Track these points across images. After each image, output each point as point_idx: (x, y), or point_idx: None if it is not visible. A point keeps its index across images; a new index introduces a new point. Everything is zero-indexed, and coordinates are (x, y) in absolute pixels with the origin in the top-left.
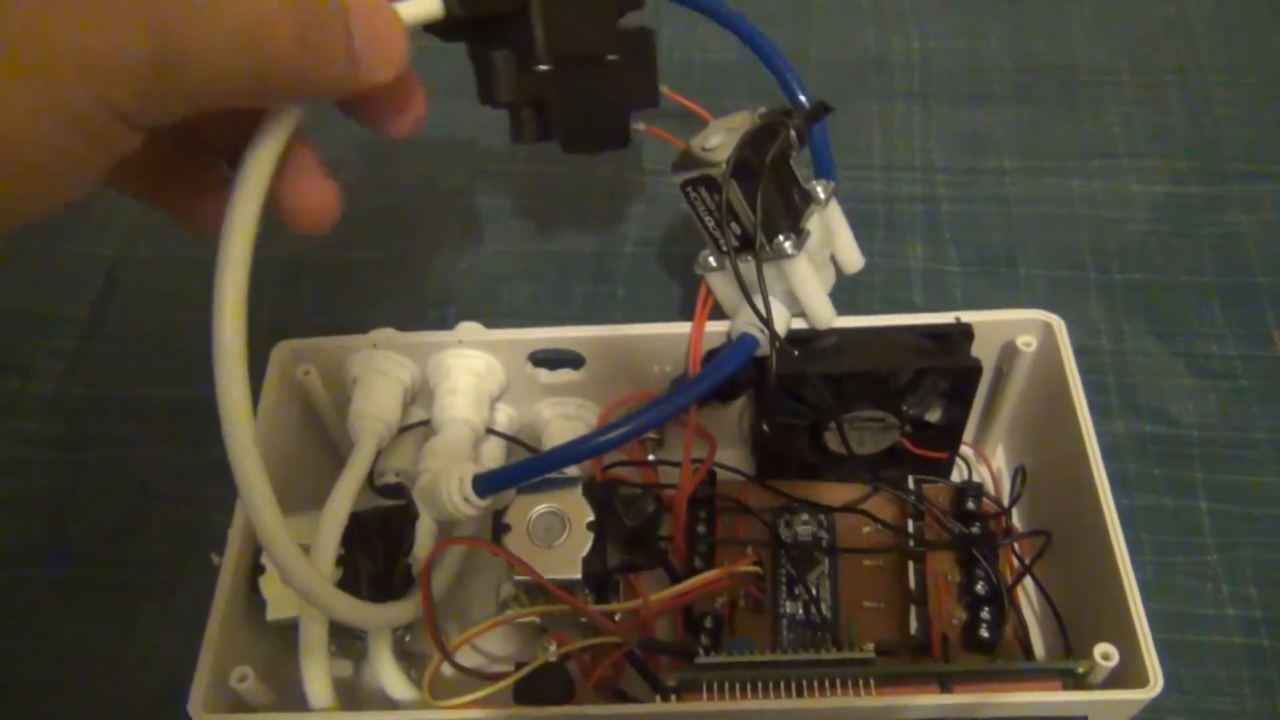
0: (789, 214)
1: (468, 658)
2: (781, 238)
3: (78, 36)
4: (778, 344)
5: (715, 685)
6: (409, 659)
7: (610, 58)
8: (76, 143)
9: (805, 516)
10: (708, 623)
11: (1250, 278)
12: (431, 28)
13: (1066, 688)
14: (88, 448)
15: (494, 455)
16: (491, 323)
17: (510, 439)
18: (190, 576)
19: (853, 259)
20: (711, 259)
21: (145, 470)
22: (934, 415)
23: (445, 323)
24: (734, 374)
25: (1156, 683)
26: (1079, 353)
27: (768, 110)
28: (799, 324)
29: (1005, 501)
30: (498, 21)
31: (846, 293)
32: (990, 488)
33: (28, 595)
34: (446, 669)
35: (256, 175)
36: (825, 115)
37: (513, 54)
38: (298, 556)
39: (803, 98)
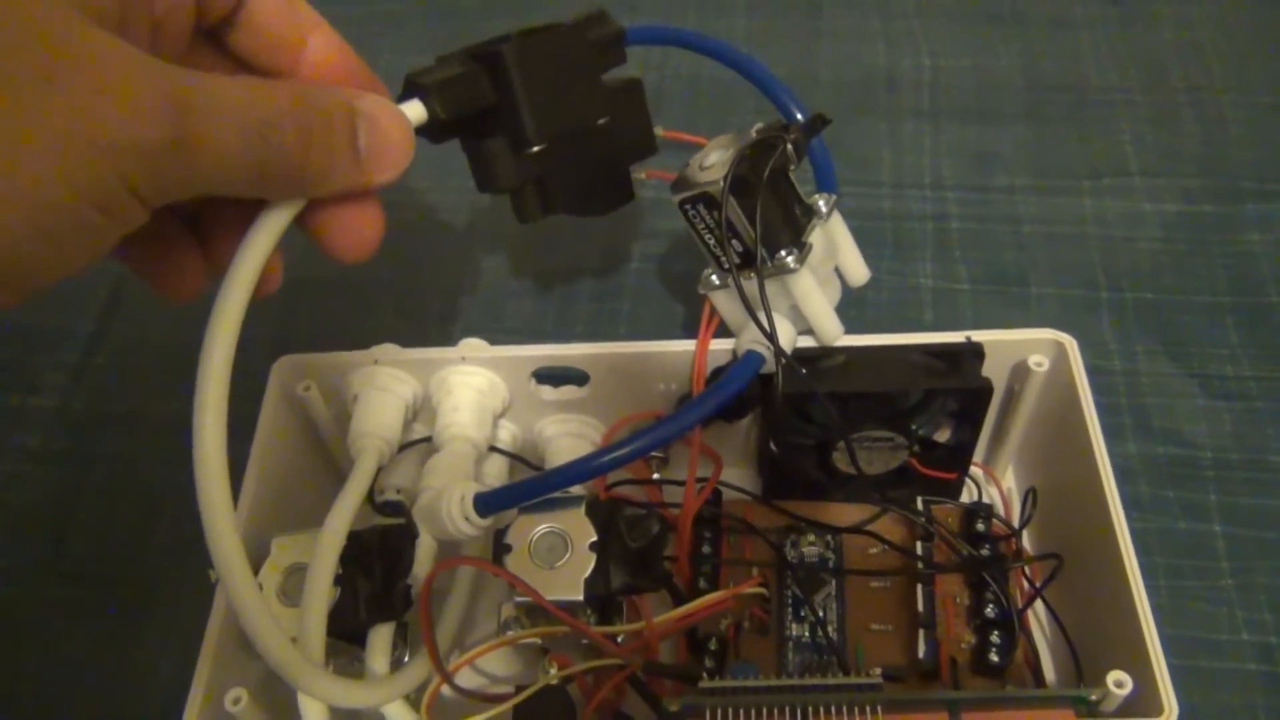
0: (790, 228)
1: (468, 680)
2: (783, 252)
3: (101, 118)
4: (784, 360)
5: (719, 710)
6: None
7: (601, 122)
8: (92, 215)
9: (812, 537)
10: (712, 645)
11: (1265, 297)
12: (419, 131)
13: (1079, 716)
14: (91, 463)
15: (496, 473)
16: (495, 340)
17: (513, 456)
18: (192, 594)
19: (858, 272)
20: (714, 277)
21: (149, 486)
22: (943, 435)
23: (449, 340)
24: (740, 392)
25: (1172, 712)
26: (1090, 373)
27: (764, 126)
28: (806, 342)
29: (1016, 523)
30: (484, 113)
31: (854, 309)
32: (1000, 509)
33: (30, 611)
34: (446, 691)
35: (249, 267)
36: (823, 128)
37: (505, 140)
38: (289, 652)
39: (799, 115)
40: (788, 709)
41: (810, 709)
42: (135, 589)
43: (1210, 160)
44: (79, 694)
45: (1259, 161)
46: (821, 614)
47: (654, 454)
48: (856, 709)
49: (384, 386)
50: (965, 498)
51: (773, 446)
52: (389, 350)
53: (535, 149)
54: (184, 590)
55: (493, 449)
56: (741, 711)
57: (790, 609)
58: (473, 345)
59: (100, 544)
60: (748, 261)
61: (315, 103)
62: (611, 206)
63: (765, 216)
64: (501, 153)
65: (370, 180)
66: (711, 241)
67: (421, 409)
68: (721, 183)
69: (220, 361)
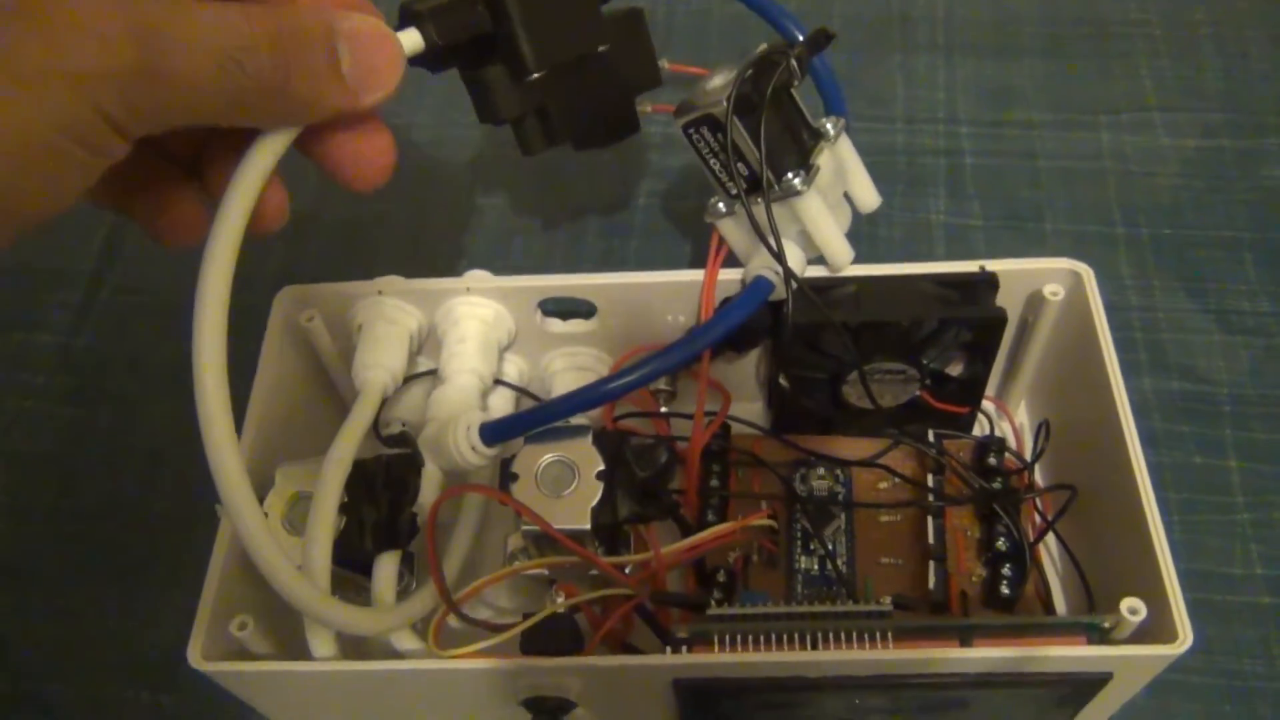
0: (796, 150)
1: (477, 612)
2: (790, 175)
3: (70, 50)
4: (794, 285)
5: (727, 637)
6: None
7: (601, 49)
8: (72, 149)
9: (821, 471)
10: (720, 577)
11: None
12: (416, 60)
13: (1091, 643)
14: (95, 404)
15: (502, 407)
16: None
17: (520, 390)
18: (199, 533)
19: (868, 197)
20: (721, 205)
21: (153, 427)
22: (956, 369)
23: (456, 274)
24: (748, 319)
25: (1186, 638)
26: (1107, 309)
27: (767, 46)
28: (816, 272)
29: (1028, 457)
30: (481, 42)
31: (866, 245)
32: (1013, 444)
33: (37, 552)
34: (454, 622)
35: (244, 188)
36: (826, 44)
37: (504, 69)
38: (296, 578)
39: (799, 36)
40: (796, 637)
41: (819, 637)
42: (140, 529)
43: (1231, 95)
44: (86, 633)
45: None
46: (831, 547)
47: (662, 388)
48: (866, 637)
49: (389, 318)
50: (977, 432)
51: (782, 380)
52: (393, 281)
53: (535, 76)
54: (190, 530)
55: (499, 382)
56: (750, 639)
57: (799, 542)
58: (478, 276)
59: (106, 485)
60: (754, 186)
61: (292, 26)
62: (616, 138)
63: (770, 136)
64: (501, 81)
65: (359, 102)
66: (717, 166)
67: (426, 341)
68: (724, 103)
69: (217, 287)
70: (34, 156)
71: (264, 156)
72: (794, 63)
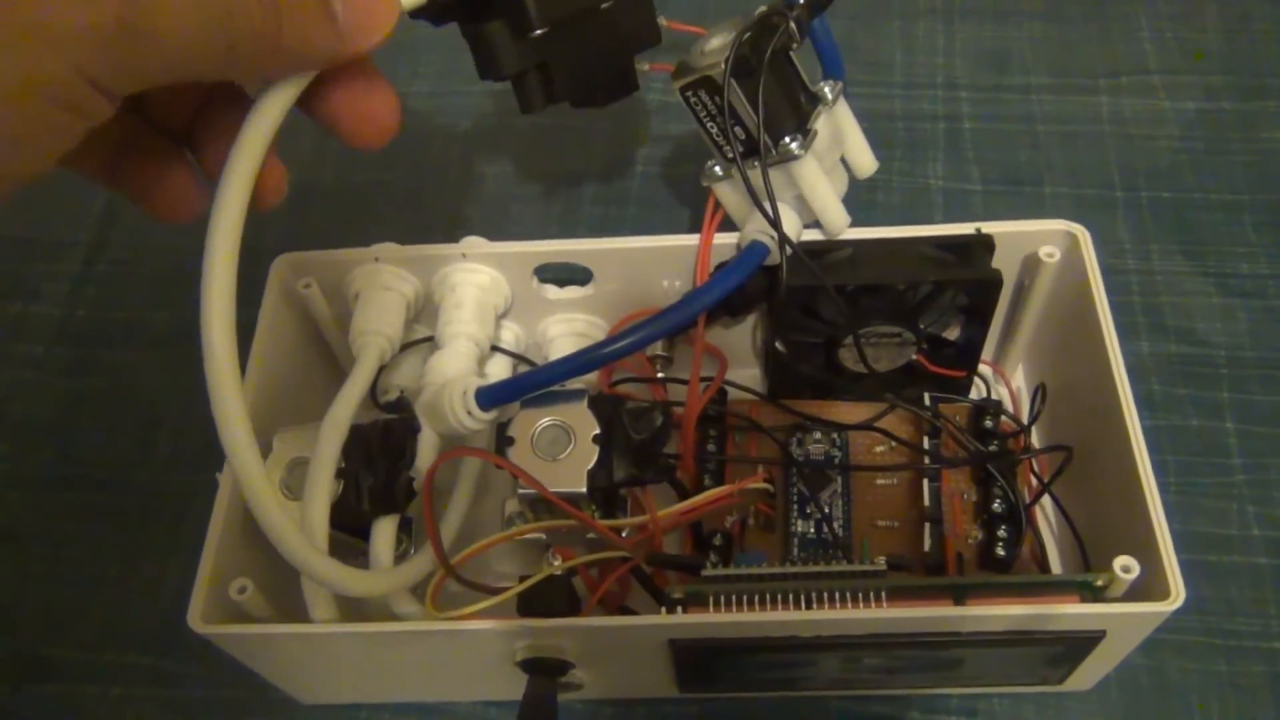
0: (794, 113)
1: (474, 575)
2: (787, 139)
3: (48, 9)
4: (789, 249)
5: (722, 598)
6: None
7: (604, 5)
8: (54, 111)
9: (818, 435)
10: (717, 540)
11: None
12: (418, 14)
13: (1085, 601)
14: (94, 372)
15: (499, 373)
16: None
17: (517, 357)
18: (198, 500)
19: (864, 161)
20: (717, 168)
21: (152, 394)
22: (952, 333)
23: (452, 242)
24: (743, 283)
25: (1178, 595)
26: (1105, 272)
27: (766, 8)
28: (811, 236)
29: (1024, 420)
30: None
31: (863, 211)
32: (1009, 407)
33: (37, 519)
34: (452, 584)
35: (248, 150)
36: (827, 6)
37: (505, 24)
38: (300, 539)
39: None
40: (791, 597)
41: (814, 596)
42: (140, 496)
43: (1232, 57)
44: (86, 599)
45: None
46: (827, 510)
47: (659, 353)
48: (860, 596)
49: (385, 284)
50: (974, 396)
51: (778, 345)
52: (390, 248)
53: (537, 32)
54: (187, 497)
55: (495, 349)
56: (745, 599)
57: (796, 506)
58: (474, 243)
59: (105, 452)
60: (751, 150)
61: None
62: (614, 97)
63: (768, 99)
64: (502, 37)
65: (355, 48)
66: (714, 129)
67: (423, 308)
68: (723, 65)
69: (224, 259)
70: (10, 120)
71: (266, 118)
72: (793, 25)
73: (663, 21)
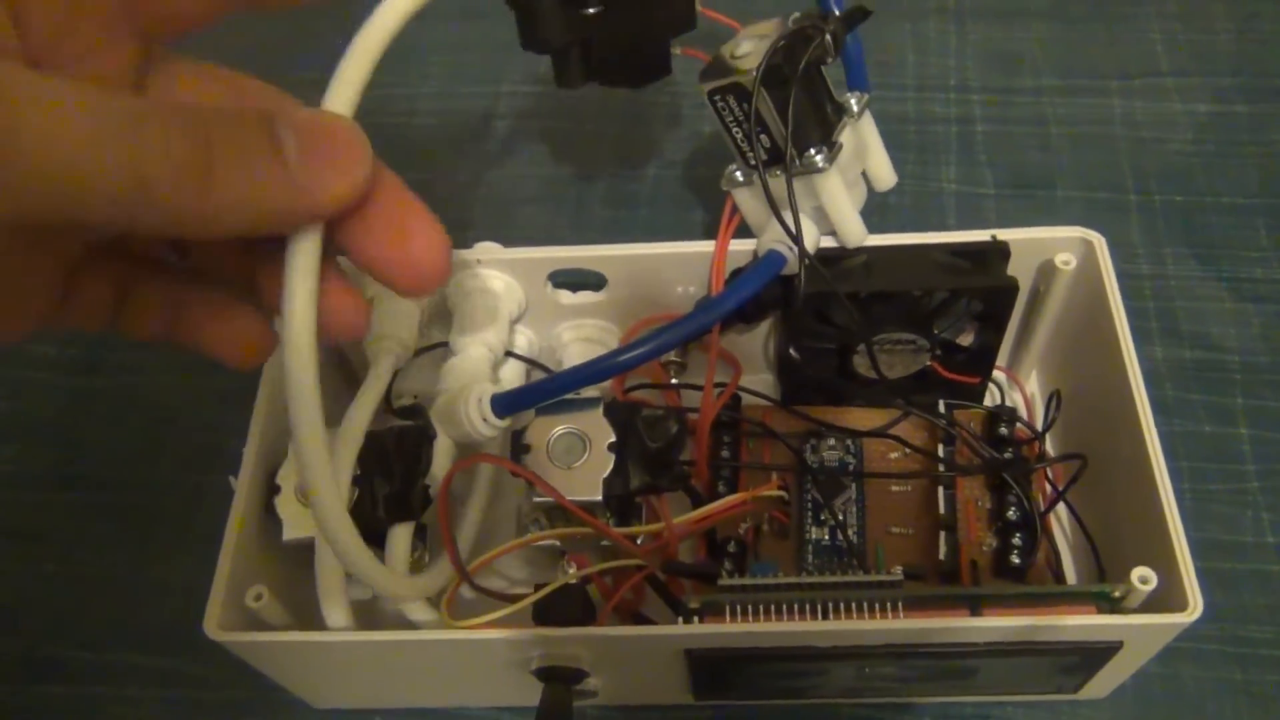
0: (821, 126)
1: (489, 582)
2: (813, 151)
3: None
4: (807, 262)
5: (738, 608)
6: None
7: None
8: None
9: (832, 441)
10: (731, 548)
11: None
12: None
13: (1101, 612)
14: (102, 372)
15: (513, 379)
16: (511, 247)
17: (531, 362)
18: (207, 501)
19: (885, 175)
20: (738, 174)
21: (159, 396)
22: (967, 339)
23: (462, 247)
24: (759, 292)
25: (1196, 607)
26: (1118, 276)
27: (801, 15)
28: (826, 243)
29: (1039, 427)
30: None
31: (876, 215)
32: (1024, 414)
33: (46, 519)
34: (466, 591)
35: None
36: (863, 20)
37: None
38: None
39: (835, 7)
40: (807, 606)
41: (830, 606)
42: (149, 497)
43: (1244, 58)
44: (94, 600)
45: None
46: (841, 517)
47: (672, 360)
48: (876, 606)
49: None
50: (988, 402)
51: (792, 352)
52: None
53: (591, 10)
54: (196, 498)
55: (510, 354)
56: (761, 609)
57: (810, 513)
58: (488, 249)
59: (113, 453)
60: (775, 158)
61: (216, 109)
62: (648, 79)
63: (797, 112)
64: (552, 9)
65: (314, 204)
66: (739, 135)
67: (437, 314)
68: (754, 73)
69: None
70: None
71: (304, 265)
72: (829, 39)
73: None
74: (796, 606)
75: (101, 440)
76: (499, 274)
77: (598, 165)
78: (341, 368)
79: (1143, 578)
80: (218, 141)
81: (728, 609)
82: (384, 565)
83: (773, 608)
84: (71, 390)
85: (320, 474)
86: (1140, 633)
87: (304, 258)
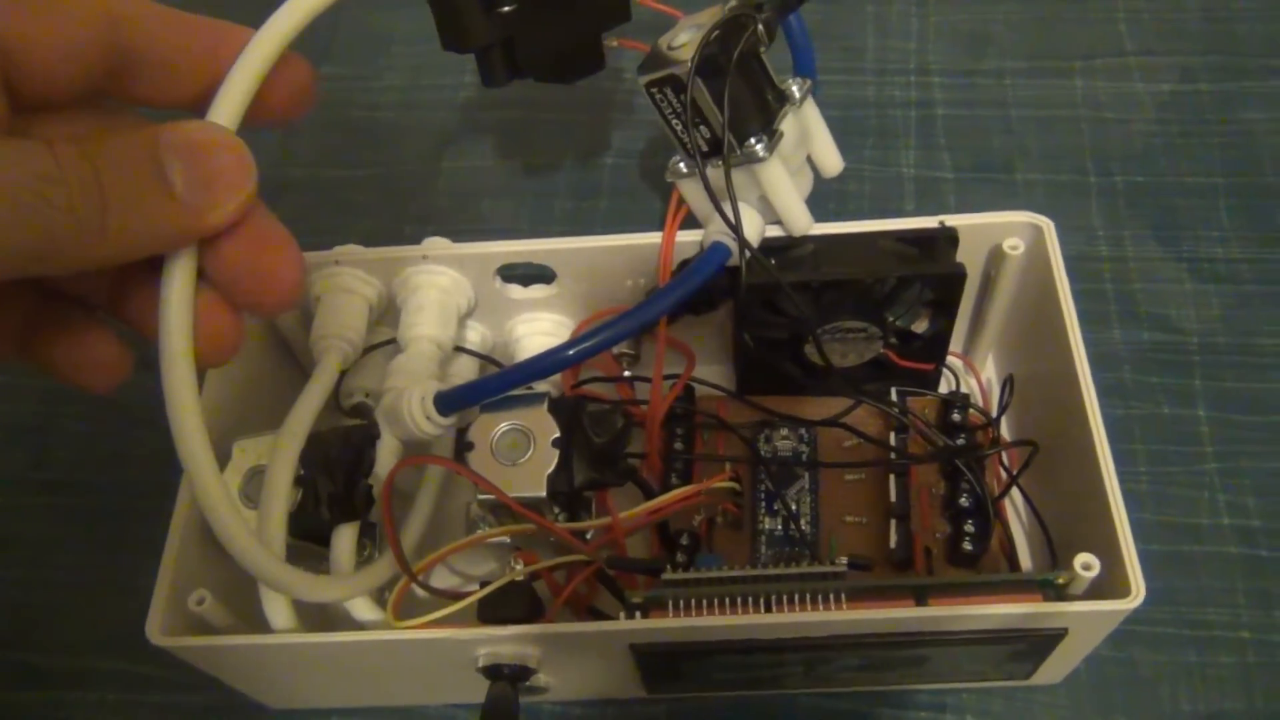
0: (760, 114)
1: (440, 581)
2: (752, 140)
3: None
4: (748, 253)
5: (681, 602)
6: None
7: None
8: None
9: (785, 431)
10: (684, 540)
11: (1261, 178)
12: None
13: (1047, 599)
14: None
15: (464, 374)
16: (473, 239)
17: (482, 357)
18: (172, 504)
19: (831, 161)
20: (683, 165)
21: (129, 395)
22: (920, 326)
23: (421, 239)
24: (705, 284)
25: (1138, 593)
26: (1077, 259)
27: (736, 3)
28: (775, 232)
29: (993, 413)
30: None
31: (834, 202)
32: (979, 400)
33: (13, 522)
34: (419, 590)
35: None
36: (798, 5)
37: None
38: (253, 544)
39: None
40: (750, 599)
41: (774, 598)
42: (118, 499)
43: (1211, 36)
44: (63, 603)
45: (1267, 36)
46: (794, 508)
47: (625, 351)
48: (819, 598)
49: (346, 287)
50: (944, 389)
51: (747, 339)
52: (351, 250)
53: (507, 8)
54: (166, 500)
55: (460, 349)
56: (705, 603)
57: (763, 503)
58: (436, 244)
59: (83, 455)
60: (716, 148)
61: (105, 148)
62: (581, 74)
63: (734, 101)
64: (470, 7)
65: (203, 223)
66: (679, 127)
67: (386, 310)
68: (689, 64)
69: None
70: None
71: (178, 287)
72: (762, 27)
73: None
74: (740, 599)
75: (71, 443)
76: (446, 269)
77: (560, 156)
78: (292, 368)
79: (1086, 564)
80: (111, 189)
81: (670, 603)
82: (283, 562)
83: (716, 601)
84: (41, 392)
85: (207, 483)
86: (1083, 619)
87: (181, 273)
